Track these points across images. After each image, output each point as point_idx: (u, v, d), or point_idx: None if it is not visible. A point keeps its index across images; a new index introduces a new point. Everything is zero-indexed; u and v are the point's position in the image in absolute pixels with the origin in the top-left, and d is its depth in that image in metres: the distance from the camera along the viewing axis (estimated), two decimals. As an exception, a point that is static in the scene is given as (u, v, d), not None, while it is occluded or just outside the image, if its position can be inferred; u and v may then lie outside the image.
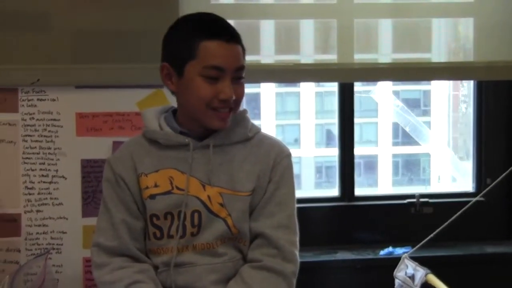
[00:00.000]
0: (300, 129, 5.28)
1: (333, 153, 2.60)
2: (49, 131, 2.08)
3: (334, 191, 2.56)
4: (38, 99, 2.08)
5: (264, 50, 2.34)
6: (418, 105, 5.13)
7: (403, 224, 2.49)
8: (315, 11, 2.32)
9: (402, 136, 4.90)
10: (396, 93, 3.60)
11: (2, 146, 2.07)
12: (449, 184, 3.30)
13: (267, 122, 5.04)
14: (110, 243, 1.59)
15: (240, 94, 1.57)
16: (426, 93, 5.05)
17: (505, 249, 2.45)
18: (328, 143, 4.85)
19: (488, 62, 2.31)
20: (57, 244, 2.08)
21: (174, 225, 1.58)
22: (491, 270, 2.36)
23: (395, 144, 5.20)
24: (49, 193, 2.08)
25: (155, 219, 1.59)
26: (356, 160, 2.52)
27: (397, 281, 2.01)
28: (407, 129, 2.87)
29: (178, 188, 1.58)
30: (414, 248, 2.12)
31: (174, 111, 1.67)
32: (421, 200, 2.50)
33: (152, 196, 1.58)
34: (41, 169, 2.08)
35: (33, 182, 2.08)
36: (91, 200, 2.09)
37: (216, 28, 1.55)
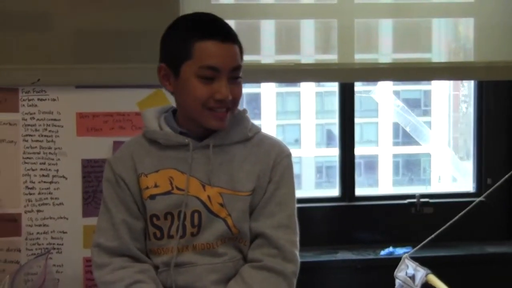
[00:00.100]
0: (301, 129, 5.28)
1: (334, 153, 2.60)
2: (49, 131, 2.08)
3: (335, 191, 2.56)
4: (38, 99, 2.08)
5: (265, 50, 2.34)
6: (418, 105, 5.13)
7: (403, 224, 2.49)
8: (315, 11, 2.32)
9: (403, 136, 4.90)
10: (396, 93, 3.60)
11: (2, 146, 2.07)
12: (450, 184, 3.30)
13: (268, 122, 5.05)
14: (111, 243, 1.59)
15: (237, 94, 1.56)
16: (427, 93, 5.05)
17: (506, 249, 2.45)
18: (329, 143, 4.85)
19: (489, 62, 2.31)
20: (57, 244, 2.08)
21: (174, 225, 1.57)
22: (491, 270, 2.36)
23: (395, 144, 5.21)
24: (49, 193, 2.08)
25: (155, 219, 1.59)
26: (356, 160, 2.53)
27: (397, 281, 2.01)
28: (407, 129, 2.87)
29: (178, 188, 1.58)
30: (415, 249, 2.12)
31: (174, 111, 1.67)
32: (422, 200, 2.50)
33: (152, 197, 1.58)
34: (41, 169, 2.08)
35: (34, 182, 2.08)
36: (91, 200, 2.09)
37: (211, 28, 1.54)
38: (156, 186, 1.58)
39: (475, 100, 2.57)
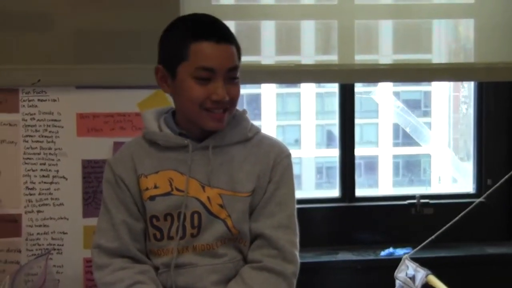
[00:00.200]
0: (301, 129, 5.29)
1: (334, 153, 2.60)
2: (49, 131, 2.08)
3: (335, 192, 2.56)
4: (38, 100, 2.08)
5: (265, 51, 2.33)
6: (418, 106, 5.13)
7: (403, 225, 2.49)
8: (315, 12, 2.32)
9: (403, 137, 4.90)
10: (396, 94, 3.60)
11: (3, 147, 2.07)
12: (450, 185, 3.29)
13: (268, 123, 5.05)
14: (111, 244, 1.59)
15: (234, 94, 1.56)
16: (427, 94, 5.05)
17: (506, 250, 2.45)
18: (329, 144, 4.85)
19: (489, 63, 2.31)
20: (57, 245, 2.08)
21: (174, 226, 1.57)
22: (491, 271, 2.36)
23: (395, 145, 5.21)
24: (49, 194, 2.08)
25: (155, 220, 1.59)
26: (356, 161, 2.53)
27: (397, 282, 2.01)
28: (407, 130, 2.87)
29: (177, 190, 1.58)
30: (415, 249, 2.12)
31: (174, 112, 1.67)
32: (422, 201, 2.50)
33: (152, 198, 1.58)
34: (41, 170, 2.08)
35: (34, 183, 2.08)
36: (91, 201, 2.09)
37: (206, 29, 1.54)
38: (156, 187, 1.58)
39: (475, 101, 2.57)
